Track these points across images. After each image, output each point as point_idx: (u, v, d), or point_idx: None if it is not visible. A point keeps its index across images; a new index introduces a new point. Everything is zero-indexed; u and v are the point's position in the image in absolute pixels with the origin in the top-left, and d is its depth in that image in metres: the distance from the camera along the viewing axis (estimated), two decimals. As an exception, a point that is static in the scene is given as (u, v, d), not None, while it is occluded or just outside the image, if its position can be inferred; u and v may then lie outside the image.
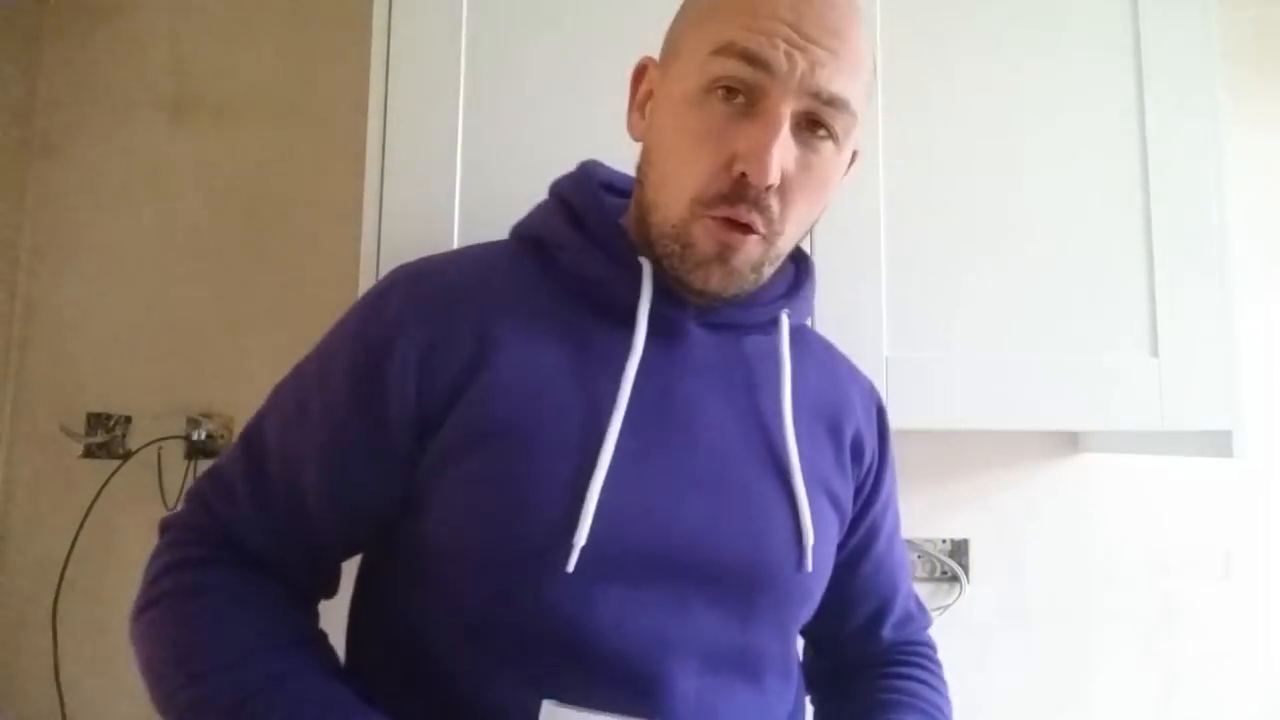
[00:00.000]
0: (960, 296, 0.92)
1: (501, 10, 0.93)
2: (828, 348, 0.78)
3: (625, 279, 0.62)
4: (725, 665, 0.61)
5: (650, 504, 0.59)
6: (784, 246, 0.61)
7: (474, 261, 0.66)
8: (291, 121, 1.28)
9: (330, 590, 0.67)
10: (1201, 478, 1.21)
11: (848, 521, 0.71)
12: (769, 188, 0.56)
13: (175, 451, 1.23)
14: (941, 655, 1.18)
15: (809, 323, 0.79)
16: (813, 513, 0.64)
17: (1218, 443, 0.92)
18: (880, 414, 0.76)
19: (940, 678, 0.77)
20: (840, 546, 0.71)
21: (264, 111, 1.29)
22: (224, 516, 0.62)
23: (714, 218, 0.57)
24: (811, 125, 0.57)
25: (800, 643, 0.77)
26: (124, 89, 1.30)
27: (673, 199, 0.59)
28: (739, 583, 0.61)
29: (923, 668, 0.76)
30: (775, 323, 0.67)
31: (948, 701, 0.75)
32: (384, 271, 0.88)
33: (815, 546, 0.63)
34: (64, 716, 1.16)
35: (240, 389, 1.24)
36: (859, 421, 0.72)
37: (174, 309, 1.26)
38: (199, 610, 0.58)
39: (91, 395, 1.25)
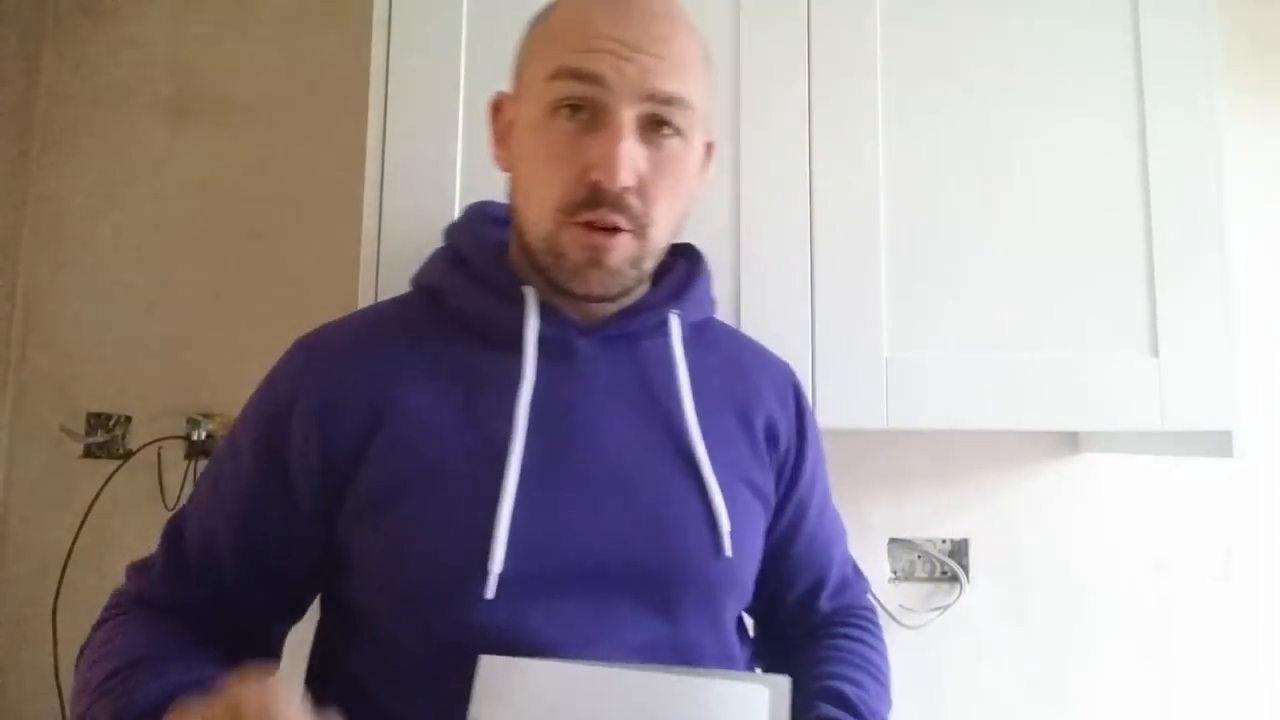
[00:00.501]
0: (960, 296, 0.92)
1: (501, 10, 0.93)
2: (735, 339, 0.80)
3: (509, 310, 0.65)
4: (661, 662, 0.62)
5: (561, 520, 0.61)
6: (657, 239, 0.64)
7: (368, 322, 0.70)
8: (291, 121, 1.28)
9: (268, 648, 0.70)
10: (1201, 478, 1.21)
11: (772, 506, 0.73)
12: (627, 189, 0.60)
13: (175, 451, 1.23)
14: (941, 655, 1.19)
15: (726, 319, 0.82)
16: (731, 501, 0.66)
17: (1218, 443, 0.92)
18: (797, 394, 0.77)
19: (876, 636, 0.78)
20: (770, 529, 0.73)
21: (264, 111, 1.29)
22: (144, 587, 0.66)
23: (579, 224, 0.61)
24: (656, 125, 0.62)
25: (749, 621, 0.79)
26: (124, 88, 1.30)
27: (539, 214, 0.63)
28: (660, 580, 0.63)
29: (859, 628, 0.77)
30: (666, 324, 0.69)
31: (883, 657, 0.76)
32: (384, 271, 0.89)
33: (734, 533, 0.65)
34: (64, 716, 1.16)
35: (240, 389, 1.22)
36: (771, 408, 0.73)
37: (174, 309, 1.26)
38: (100, 641, 0.63)
39: (91, 395, 1.25)
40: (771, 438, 0.73)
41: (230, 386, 1.24)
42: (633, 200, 0.61)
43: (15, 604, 1.22)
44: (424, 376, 0.65)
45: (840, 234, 0.92)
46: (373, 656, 0.63)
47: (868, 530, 1.20)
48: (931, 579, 1.21)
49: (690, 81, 0.62)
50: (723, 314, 0.90)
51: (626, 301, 0.69)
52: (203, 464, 1.21)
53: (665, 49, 0.61)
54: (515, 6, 0.94)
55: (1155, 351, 0.91)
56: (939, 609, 1.20)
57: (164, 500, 1.21)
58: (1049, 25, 0.95)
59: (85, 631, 0.66)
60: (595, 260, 0.62)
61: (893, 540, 1.21)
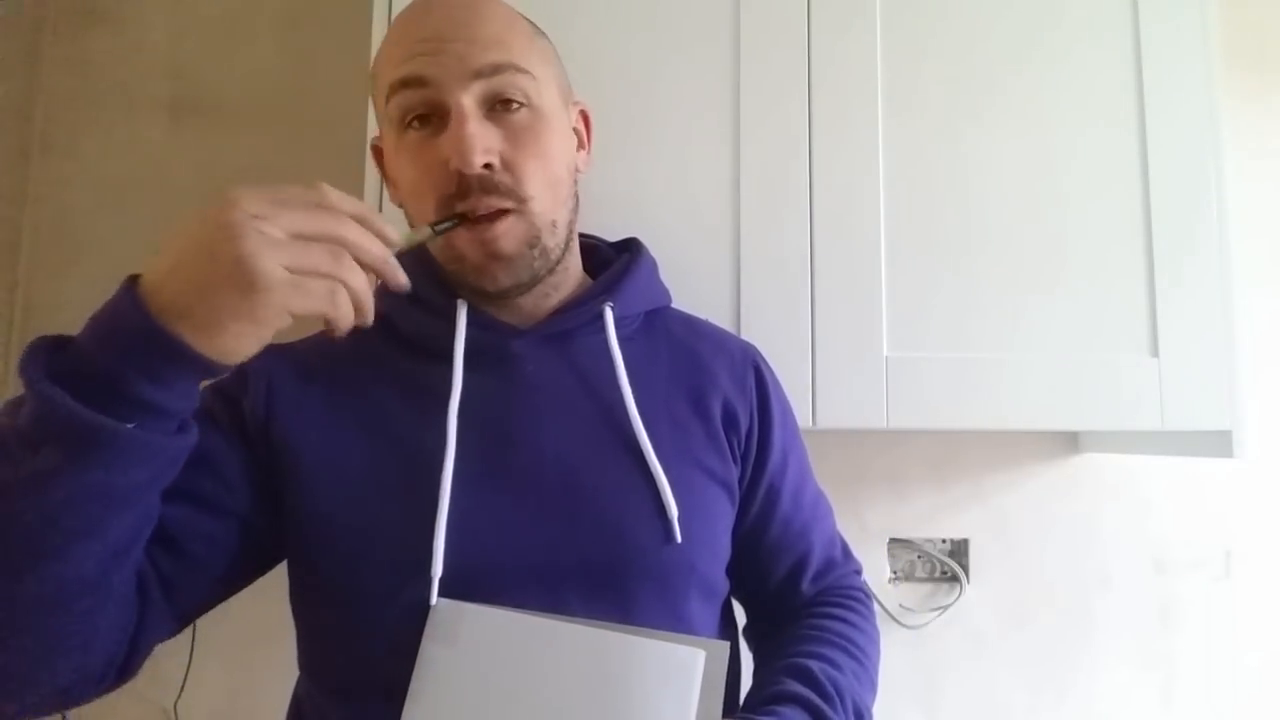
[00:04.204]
0: (960, 296, 0.92)
1: (501, 10, 0.93)
2: (691, 327, 0.79)
3: (442, 324, 0.67)
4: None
5: (502, 523, 0.62)
6: (542, 212, 0.64)
7: (320, 341, 0.72)
8: (291, 121, 1.28)
9: (171, 618, 0.61)
10: (1201, 478, 1.21)
11: (738, 491, 0.72)
12: (488, 167, 0.61)
13: (175, 451, 1.23)
14: (941, 655, 1.18)
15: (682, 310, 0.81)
16: (682, 486, 0.66)
17: (1218, 443, 0.92)
18: (757, 373, 0.76)
19: (862, 615, 0.76)
20: (743, 513, 0.73)
21: (264, 111, 1.29)
22: None
23: (462, 222, 0.62)
24: (500, 103, 0.63)
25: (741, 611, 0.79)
26: (124, 89, 1.30)
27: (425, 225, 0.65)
28: (611, 572, 0.63)
29: (843, 606, 0.75)
30: (601, 317, 0.70)
31: (866, 636, 0.74)
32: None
33: (686, 518, 0.65)
34: (64, 716, 1.16)
35: (240, 389, 1.24)
36: (726, 392, 0.73)
37: (174, 309, 1.26)
38: None
39: (91, 395, 1.25)
40: (730, 420, 0.72)
41: (230, 386, 1.24)
42: (501, 178, 0.62)
43: (15, 604, 1.22)
44: (373, 393, 0.67)
45: (840, 234, 0.92)
46: (321, 683, 0.64)
47: (868, 530, 1.21)
48: (931, 579, 1.21)
49: (515, 50, 0.63)
50: (722, 314, 0.90)
51: (559, 300, 0.71)
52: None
53: (475, 31, 0.62)
54: (514, 5, 0.94)
55: (1155, 351, 0.91)
56: (939, 609, 1.20)
57: (164, 500, 1.21)
58: (1049, 25, 0.95)
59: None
60: (491, 253, 0.63)
61: (893, 540, 1.21)
